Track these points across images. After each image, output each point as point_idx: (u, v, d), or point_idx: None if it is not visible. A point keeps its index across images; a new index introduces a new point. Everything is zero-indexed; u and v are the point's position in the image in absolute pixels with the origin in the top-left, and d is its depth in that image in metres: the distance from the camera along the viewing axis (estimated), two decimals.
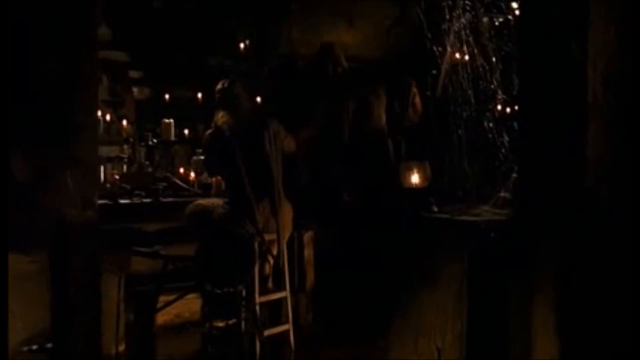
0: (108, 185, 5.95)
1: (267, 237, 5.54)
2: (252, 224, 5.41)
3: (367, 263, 5.72)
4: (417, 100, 6.62)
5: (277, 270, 5.76)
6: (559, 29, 3.63)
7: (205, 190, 6.33)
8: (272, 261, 5.71)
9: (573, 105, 3.65)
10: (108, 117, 6.63)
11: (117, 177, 6.01)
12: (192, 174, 6.47)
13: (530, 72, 3.94)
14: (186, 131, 7.12)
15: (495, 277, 3.99)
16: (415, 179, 5.04)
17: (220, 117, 5.59)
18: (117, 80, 7.33)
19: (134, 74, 7.48)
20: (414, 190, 5.06)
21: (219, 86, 5.65)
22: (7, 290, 3.40)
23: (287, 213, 5.72)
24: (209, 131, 5.68)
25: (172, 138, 6.64)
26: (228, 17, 7.43)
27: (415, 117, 6.64)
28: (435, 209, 4.64)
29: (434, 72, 5.63)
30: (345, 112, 6.42)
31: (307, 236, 6.28)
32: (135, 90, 7.44)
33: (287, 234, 5.78)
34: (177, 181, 6.40)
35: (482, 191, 4.77)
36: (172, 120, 6.56)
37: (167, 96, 7.24)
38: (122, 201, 5.87)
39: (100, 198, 5.66)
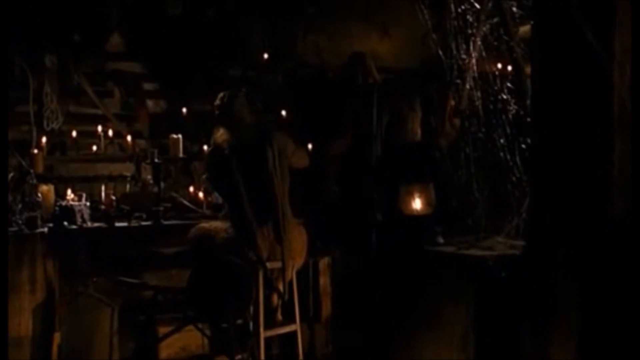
0: (102, 206, 5.53)
1: (273, 265, 5.11)
2: (255, 251, 5.01)
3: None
4: None
5: (290, 300, 5.37)
6: (579, 26, 3.03)
7: (216, 211, 5.91)
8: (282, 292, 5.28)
9: (596, 116, 3.14)
10: (110, 132, 6.21)
11: (113, 197, 5.57)
12: (201, 194, 6.03)
13: (545, 77, 3.34)
14: (205, 147, 6.67)
15: (506, 324, 3.39)
16: (417, 204, 4.44)
17: (220, 134, 5.25)
18: (131, 93, 6.98)
19: (148, 86, 7.11)
20: (416, 217, 4.45)
21: (217, 101, 5.32)
22: (7, 290, 3.27)
23: (298, 238, 5.30)
24: (208, 149, 5.39)
25: (181, 154, 6.19)
26: (240, 23, 7.03)
27: (453, 131, 6.19)
28: (441, 240, 4.07)
29: (458, 81, 5.05)
30: (378, 125, 5.97)
31: (323, 263, 5.90)
32: (150, 103, 7.06)
33: (298, 261, 5.37)
34: (184, 201, 6.02)
35: (494, 219, 4.17)
36: (180, 136, 6.13)
37: (184, 110, 6.84)
38: (118, 224, 5.49)
39: (93, 220, 5.39)
